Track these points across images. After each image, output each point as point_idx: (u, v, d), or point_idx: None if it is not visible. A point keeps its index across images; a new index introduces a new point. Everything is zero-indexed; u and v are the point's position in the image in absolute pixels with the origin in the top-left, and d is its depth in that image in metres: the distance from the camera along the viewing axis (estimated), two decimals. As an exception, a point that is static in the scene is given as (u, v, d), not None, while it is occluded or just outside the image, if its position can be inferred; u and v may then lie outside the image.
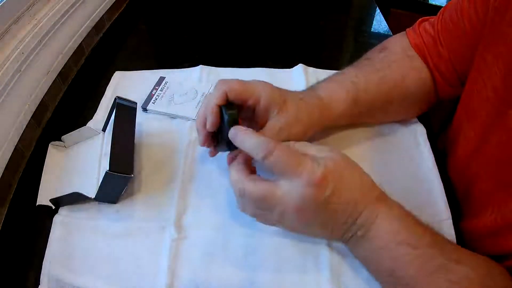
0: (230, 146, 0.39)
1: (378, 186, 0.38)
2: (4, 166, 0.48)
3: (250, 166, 0.40)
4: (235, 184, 0.37)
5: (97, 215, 0.45)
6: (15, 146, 0.50)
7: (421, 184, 0.47)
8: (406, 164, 0.50)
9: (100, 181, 0.42)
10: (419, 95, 0.51)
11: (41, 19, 0.56)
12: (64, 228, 0.44)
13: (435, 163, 0.49)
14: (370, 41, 0.56)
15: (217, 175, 0.49)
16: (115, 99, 0.48)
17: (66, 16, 0.62)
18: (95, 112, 0.57)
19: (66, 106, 0.62)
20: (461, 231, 0.44)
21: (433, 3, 1.32)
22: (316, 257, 0.41)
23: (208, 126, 0.41)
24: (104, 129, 0.52)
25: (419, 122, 0.54)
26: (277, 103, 0.42)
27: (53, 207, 0.45)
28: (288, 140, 0.40)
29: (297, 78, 0.62)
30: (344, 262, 0.41)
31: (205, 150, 0.51)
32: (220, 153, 0.47)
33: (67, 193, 0.44)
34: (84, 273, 0.41)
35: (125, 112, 0.48)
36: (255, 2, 0.86)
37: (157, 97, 0.58)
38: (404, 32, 0.54)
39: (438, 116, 0.63)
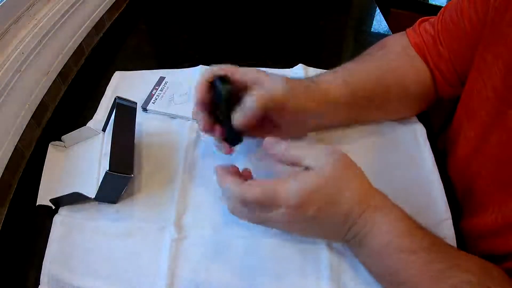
0: (228, 131, 0.40)
1: (375, 192, 0.37)
2: (4, 166, 0.48)
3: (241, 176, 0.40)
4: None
5: (97, 215, 0.45)
6: (15, 146, 0.50)
7: (421, 184, 0.47)
8: (406, 164, 0.49)
9: (100, 181, 0.42)
10: (418, 93, 0.51)
11: (41, 19, 0.56)
12: (64, 228, 0.44)
13: (435, 163, 0.49)
14: (370, 41, 0.56)
15: (217, 175, 0.49)
16: (115, 99, 0.48)
17: (66, 16, 0.62)
18: (95, 112, 0.57)
19: (66, 106, 0.62)
20: (461, 231, 0.44)
21: (433, 3, 1.32)
22: (316, 257, 0.41)
23: (195, 104, 0.42)
24: (104, 129, 0.52)
25: (419, 122, 0.54)
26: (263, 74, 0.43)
27: (53, 207, 0.45)
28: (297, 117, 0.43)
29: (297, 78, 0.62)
30: (344, 262, 0.41)
31: (205, 150, 0.51)
32: (220, 154, 0.46)
33: (67, 193, 0.44)
34: (84, 273, 0.41)
35: (125, 112, 0.48)
36: (255, 2, 0.86)
37: (157, 97, 0.58)
38: (404, 32, 0.54)
39: (438, 116, 0.63)
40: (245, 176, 0.40)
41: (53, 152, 0.51)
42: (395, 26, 0.70)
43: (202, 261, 0.41)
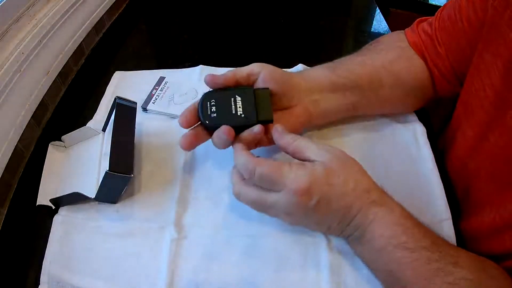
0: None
1: (377, 189, 0.38)
2: (4, 166, 0.48)
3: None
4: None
5: (97, 215, 0.45)
6: (15, 146, 0.50)
7: (421, 184, 0.47)
8: (406, 164, 0.49)
9: (100, 181, 0.42)
10: (414, 86, 0.51)
11: (41, 19, 0.56)
12: (64, 228, 0.44)
13: (435, 163, 0.49)
14: (370, 41, 0.56)
15: (217, 175, 0.49)
16: (115, 99, 0.48)
17: (66, 16, 0.62)
18: (95, 112, 0.57)
19: (66, 106, 0.62)
20: (461, 230, 0.44)
21: (433, 3, 1.32)
22: (316, 257, 0.41)
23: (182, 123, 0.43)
24: (104, 129, 0.52)
25: (419, 122, 0.54)
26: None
27: (53, 207, 0.45)
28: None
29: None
30: (344, 262, 0.41)
31: (205, 150, 0.51)
32: (220, 154, 0.46)
33: (67, 193, 0.44)
34: (84, 273, 0.41)
35: (125, 112, 0.48)
36: (255, 2, 0.86)
37: (157, 97, 0.58)
38: (401, 31, 0.54)
39: (438, 116, 0.63)
40: None
41: (53, 152, 0.51)
42: (395, 26, 0.70)
43: (202, 261, 0.41)
